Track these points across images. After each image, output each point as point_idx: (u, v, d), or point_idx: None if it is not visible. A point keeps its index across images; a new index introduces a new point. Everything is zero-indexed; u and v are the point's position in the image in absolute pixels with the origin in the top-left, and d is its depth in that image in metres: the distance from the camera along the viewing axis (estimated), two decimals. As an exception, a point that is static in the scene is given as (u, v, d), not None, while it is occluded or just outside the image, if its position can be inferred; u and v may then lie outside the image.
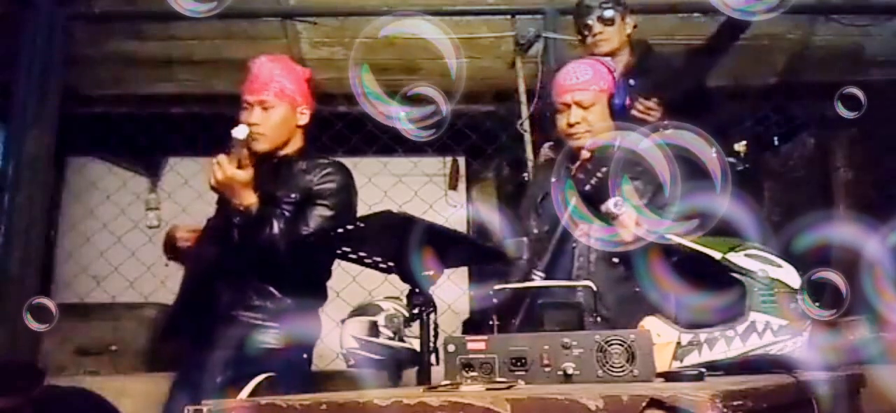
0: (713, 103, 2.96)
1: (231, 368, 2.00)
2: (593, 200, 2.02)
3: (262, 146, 2.16)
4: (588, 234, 2.04)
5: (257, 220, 2.04)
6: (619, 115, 2.20)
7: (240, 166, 2.02)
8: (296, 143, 2.25)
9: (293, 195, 2.13)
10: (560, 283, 2.00)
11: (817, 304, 1.50)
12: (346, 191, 2.20)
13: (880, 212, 3.74)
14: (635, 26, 2.72)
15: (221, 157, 2.01)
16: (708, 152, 1.76)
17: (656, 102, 2.54)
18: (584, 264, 2.07)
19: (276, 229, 2.03)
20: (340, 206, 2.14)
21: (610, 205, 1.96)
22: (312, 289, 2.22)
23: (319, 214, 2.10)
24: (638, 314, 1.65)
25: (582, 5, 2.68)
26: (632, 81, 2.61)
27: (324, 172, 2.16)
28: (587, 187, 2.02)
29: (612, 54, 2.61)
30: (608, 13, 2.64)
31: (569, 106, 2.15)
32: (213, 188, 2.06)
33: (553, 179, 2.17)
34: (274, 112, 2.18)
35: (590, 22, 2.64)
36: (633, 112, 2.51)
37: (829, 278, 1.50)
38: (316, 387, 3.05)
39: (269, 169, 2.18)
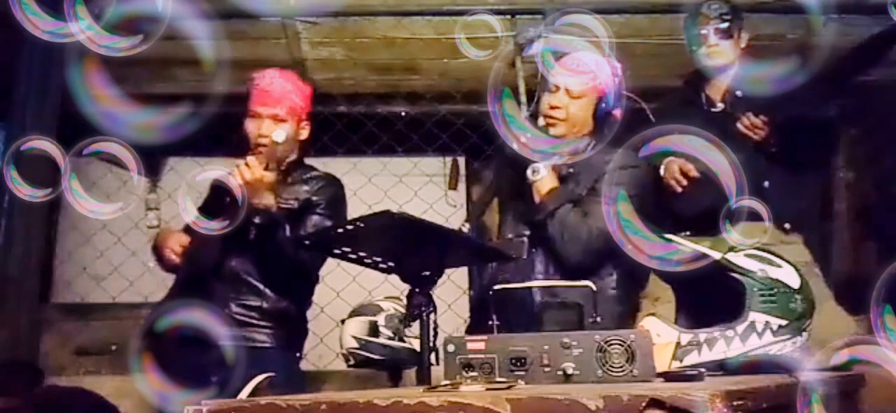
0: (832, 136, 2.73)
1: (225, 367, 2.05)
2: (514, 166, 2.14)
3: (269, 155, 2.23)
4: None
5: (276, 220, 2.14)
6: (603, 119, 2.14)
7: (267, 168, 2.10)
8: (295, 155, 2.33)
9: (292, 203, 2.23)
10: (559, 283, 1.99)
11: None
12: (342, 201, 2.35)
13: (880, 212, 3.75)
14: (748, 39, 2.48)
15: (250, 159, 2.11)
16: None
17: (763, 121, 2.33)
18: (542, 270, 2.07)
19: (288, 231, 2.14)
20: (337, 215, 2.27)
21: (528, 171, 2.09)
22: (303, 291, 2.33)
23: (316, 223, 2.23)
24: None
25: (698, 14, 2.44)
26: (739, 93, 2.47)
27: (320, 185, 2.29)
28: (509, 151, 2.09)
29: (723, 69, 2.46)
30: (726, 25, 2.41)
31: (558, 88, 2.15)
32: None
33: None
34: (285, 126, 2.26)
35: (704, 32, 2.42)
36: (738, 126, 2.35)
37: None
38: (312, 386, 3.06)
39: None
